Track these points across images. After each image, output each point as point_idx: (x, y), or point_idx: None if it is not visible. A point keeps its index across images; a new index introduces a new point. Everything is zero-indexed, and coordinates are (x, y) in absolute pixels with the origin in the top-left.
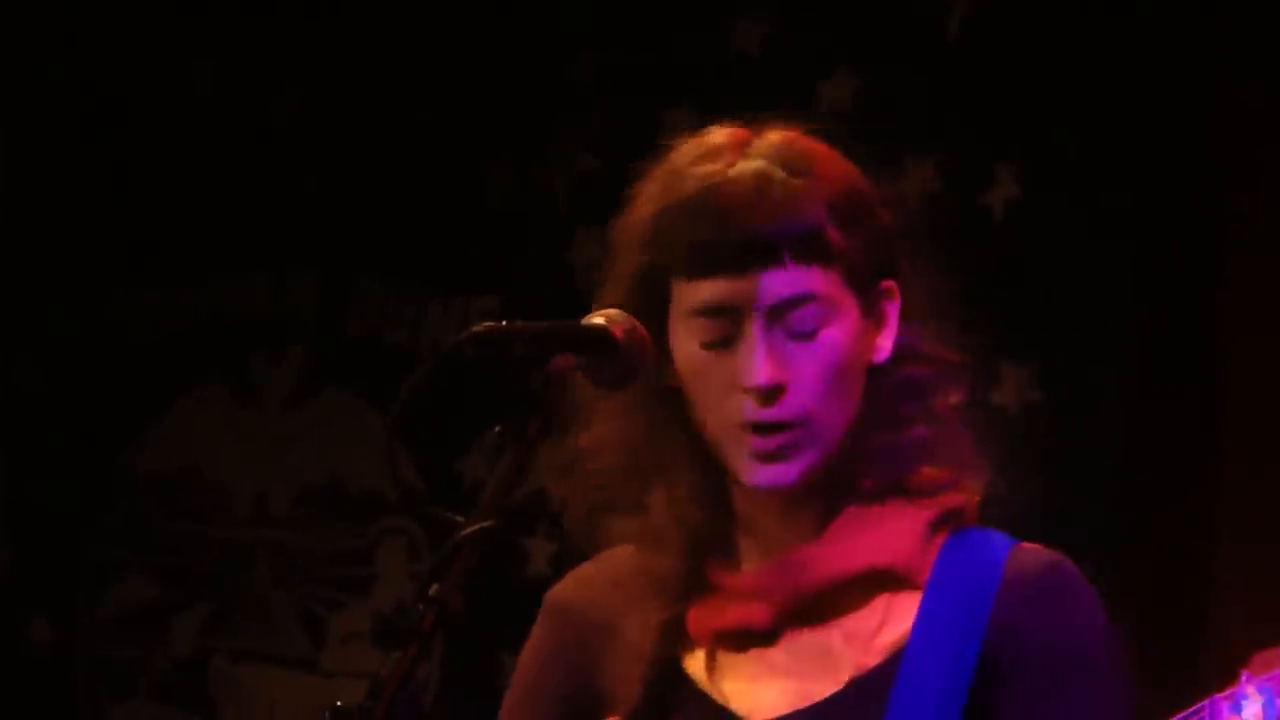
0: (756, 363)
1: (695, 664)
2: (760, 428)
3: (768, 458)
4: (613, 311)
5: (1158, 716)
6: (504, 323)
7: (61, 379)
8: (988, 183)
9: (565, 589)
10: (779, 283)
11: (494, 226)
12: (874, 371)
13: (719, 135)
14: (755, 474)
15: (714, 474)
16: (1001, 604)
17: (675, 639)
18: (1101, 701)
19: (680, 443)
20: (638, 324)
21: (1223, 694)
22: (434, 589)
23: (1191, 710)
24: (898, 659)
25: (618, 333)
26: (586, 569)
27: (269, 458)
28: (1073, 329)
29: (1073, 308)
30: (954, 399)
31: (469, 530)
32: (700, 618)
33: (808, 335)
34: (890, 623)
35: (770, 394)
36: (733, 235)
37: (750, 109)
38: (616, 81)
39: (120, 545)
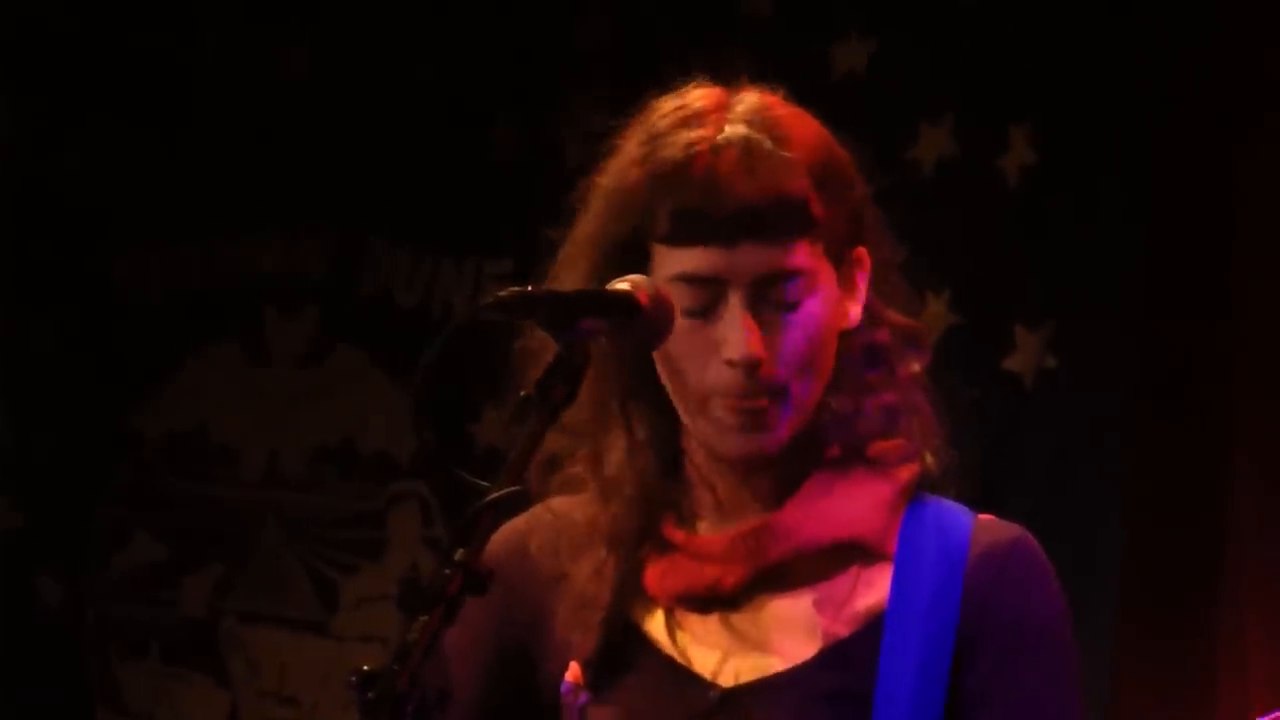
0: (739, 336)
1: (654, 623)
2: (740, 398)
3: (746, 428)
4: (637, 277)
5: (1174, 677)
6: (529, 287)
7: (73, 338)
8: (1002, 147)
9: (492, 549)
10: (764, 256)
11: (510, 188)
12: (841, 336)
13: (697, 98)
14: (733, 444)
15: (675, 430)
16: (973, 579)
17: (631, 595)
18: (1063, 672)
19: (647, 396)
20: (660, 289)
21: None
22: (459, 554)
23: None
24: (875, 629)
25: (642, 298)
26: (517, 525)
27: (280, 418)
28: (1088, 295)
29: (1088, 273)
30: (916, 366)
31: (496, 494)
32: (660, 577)
33: (789, 307)
34: (861, 592)
35: (751, 367)
36: (719, 206)
37: (762, 73)
38: (627, 42)
39: (131, 506)
